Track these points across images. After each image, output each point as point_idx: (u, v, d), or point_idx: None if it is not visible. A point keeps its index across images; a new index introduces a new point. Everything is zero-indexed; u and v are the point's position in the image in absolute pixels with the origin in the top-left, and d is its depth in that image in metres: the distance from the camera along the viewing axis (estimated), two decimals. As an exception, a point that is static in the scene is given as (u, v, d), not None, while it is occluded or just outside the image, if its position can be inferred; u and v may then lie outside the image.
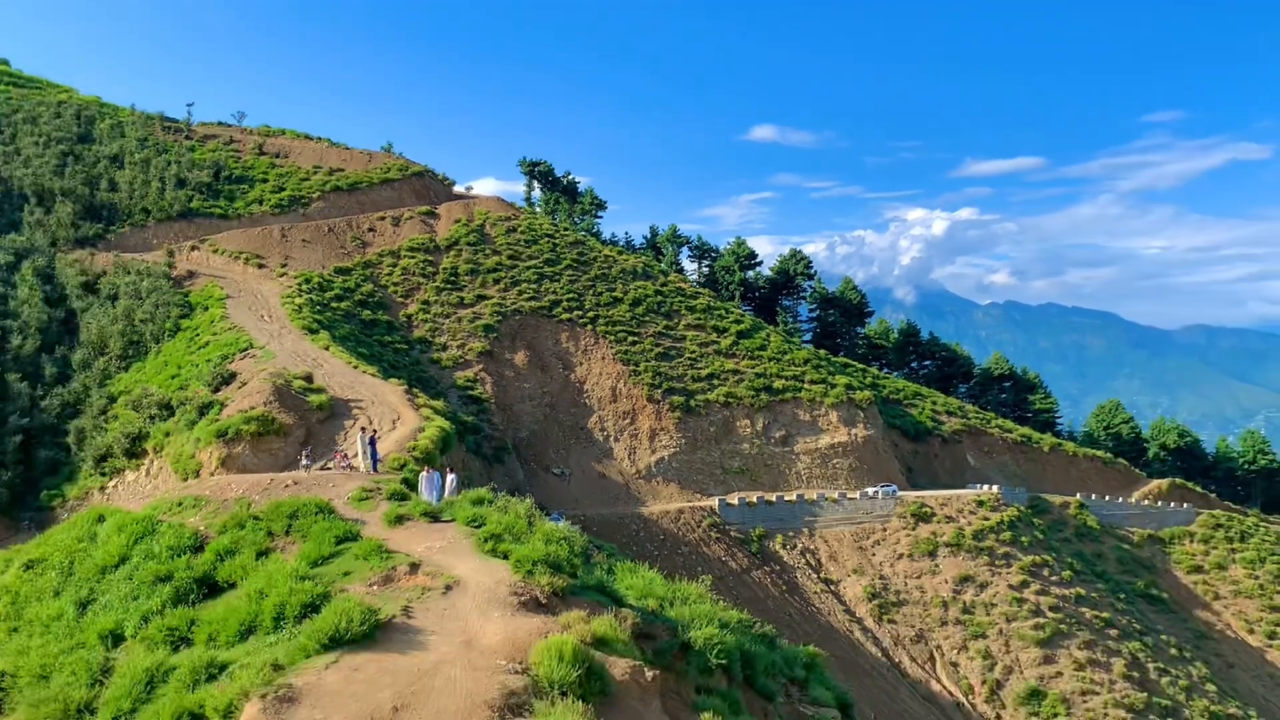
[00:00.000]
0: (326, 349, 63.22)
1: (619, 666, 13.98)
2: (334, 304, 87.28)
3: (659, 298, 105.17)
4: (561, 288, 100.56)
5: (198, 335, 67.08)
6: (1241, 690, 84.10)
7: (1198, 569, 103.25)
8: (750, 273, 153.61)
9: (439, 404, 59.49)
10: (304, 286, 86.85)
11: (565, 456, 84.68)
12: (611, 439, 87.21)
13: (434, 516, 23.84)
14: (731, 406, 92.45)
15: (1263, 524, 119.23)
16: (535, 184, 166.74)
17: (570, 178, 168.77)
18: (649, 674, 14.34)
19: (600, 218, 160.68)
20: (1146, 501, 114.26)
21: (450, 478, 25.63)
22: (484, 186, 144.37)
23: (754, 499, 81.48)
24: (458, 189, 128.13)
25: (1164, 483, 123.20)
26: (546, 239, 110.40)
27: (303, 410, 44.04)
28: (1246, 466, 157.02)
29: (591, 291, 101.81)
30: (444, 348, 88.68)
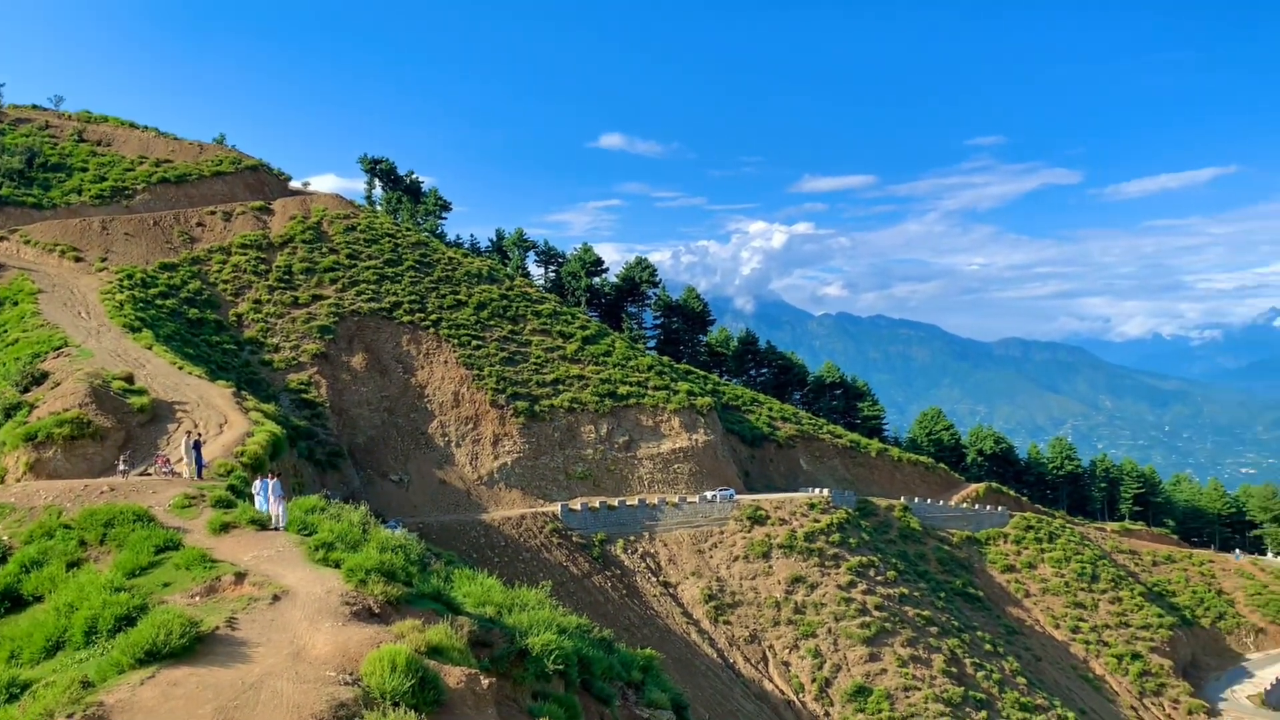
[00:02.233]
0: (149, 348, 59.92)
1: (454, 675, 13.84)
2: (158, 301, 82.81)
3: (504, 302, 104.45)
4: (403, 289, 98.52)
5: (5, 332, 62.40)
6: (1048, 682, 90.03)
7: (1010, 568, 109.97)
8: (597, 279, 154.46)
9: (270, 407, 57.28)
10: (126, 282, 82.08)
11: (404, 463, 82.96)
12: (453, 445, 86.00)
13: (262, 525, 22.98)
14: (576, 412, 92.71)
15: (1068, 525, 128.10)
16: (377, 182, 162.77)
17: (414, 177, 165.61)
18: (485, 681, 14.26)
19: (445, 219, 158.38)
20: (965, 504, 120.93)
21: (273, 482, 24.70)
22: (323, 183, 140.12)
23: (596, 504, 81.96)
24: (294, 185, 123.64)
25: (981, 487, 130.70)
26: (388, 239, 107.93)
27: (122, 413, 41.61)
28: (1055, 471, 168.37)
29: (434, 294, 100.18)
30: (276, 349, 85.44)
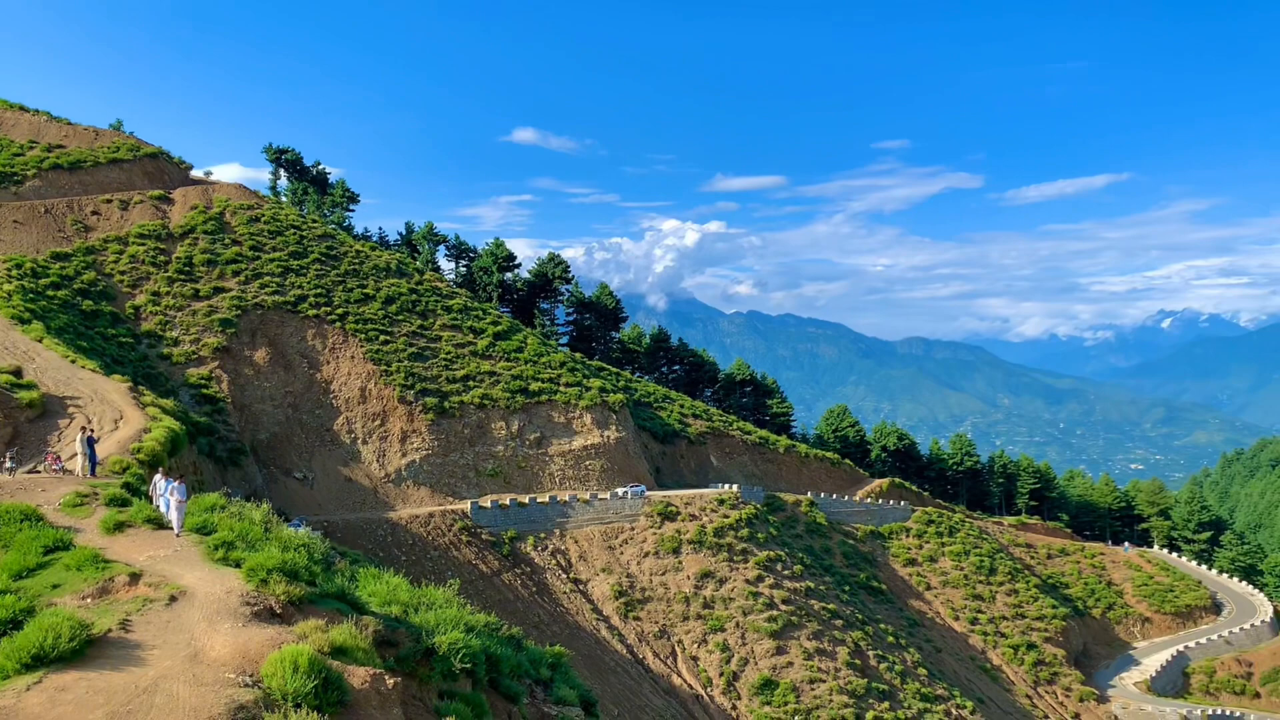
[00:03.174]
0: (40, 341, 57.51)
1: (358, 675, 13.66)
2: (50, 292, 79.47)
3: (414, 296, 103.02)
4: (309, 282, 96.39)
5: (-122, 322, 59.20)
6: (948, 673, 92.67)
7: (912, 562, 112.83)
8: (509, 274, 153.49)
9: (168, 403, 55.53)
10: (14, 272, 78.60)
11: (309, 460, 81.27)
12: (360, 441, 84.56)
13: (159, 524, 22.28)
14: (487, 408, 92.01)
15: (968, 520, 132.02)
16: (282, 173, 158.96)
17: (321, 168, 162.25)
18: (390, 681, 14.11)
19: (352, 211, 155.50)
20: (869, 499, 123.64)
21: (177, 484, 23.89)
22: (227, 173, 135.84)
23: (507, 501, 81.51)
24: (196, 174, 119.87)
25: (884, 482, 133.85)
26: (293, 230, 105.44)
27: (10, 408, 39.88)
28: (955, 467, 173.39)
29: (341, 287, 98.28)
30: (176, 343, 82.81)
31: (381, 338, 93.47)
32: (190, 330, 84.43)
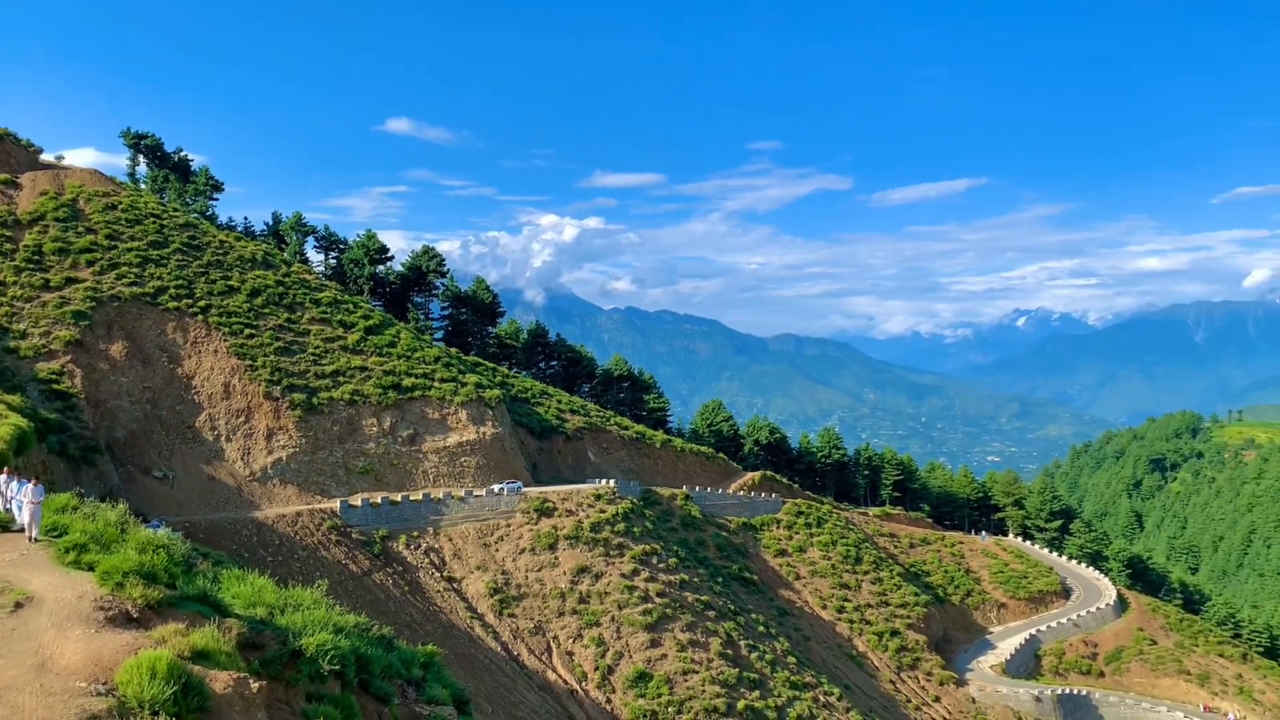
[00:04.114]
0: None
1: (220, 680, 13.29)
2: (-123, 280, 74.00)
3: (281, 289, 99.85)
4: (169, 273, 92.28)
5: None
6: (815, 660, 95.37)
7: (783, 552, 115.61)
8: (381, 267, 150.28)
9: (15, 399, 52.50)
10: None
11: (169, 458, 77.94)
12: (224, 439, 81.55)
13: (4, 526, 21.11)
14: (358, 405, 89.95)
15: (835, 511, 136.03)
16: (141, 159, 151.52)
17: (183, 154, 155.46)
18: (254, 685, 13.77)
19: (216, 200, 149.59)
20: (742, 492, 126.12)
21: (31, 486, 22.53)
22: (81, 157, 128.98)
23: (378, 499, 79.93)
24: (46, 157, 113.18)
25: (757, 475, 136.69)
26: (153, 219, 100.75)
27: None
28: (824, 460, 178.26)
29: (204, 279, 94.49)
30: (24, 335, 78.14)
31: (246, 331, 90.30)
32: (40, 323, 79.80)
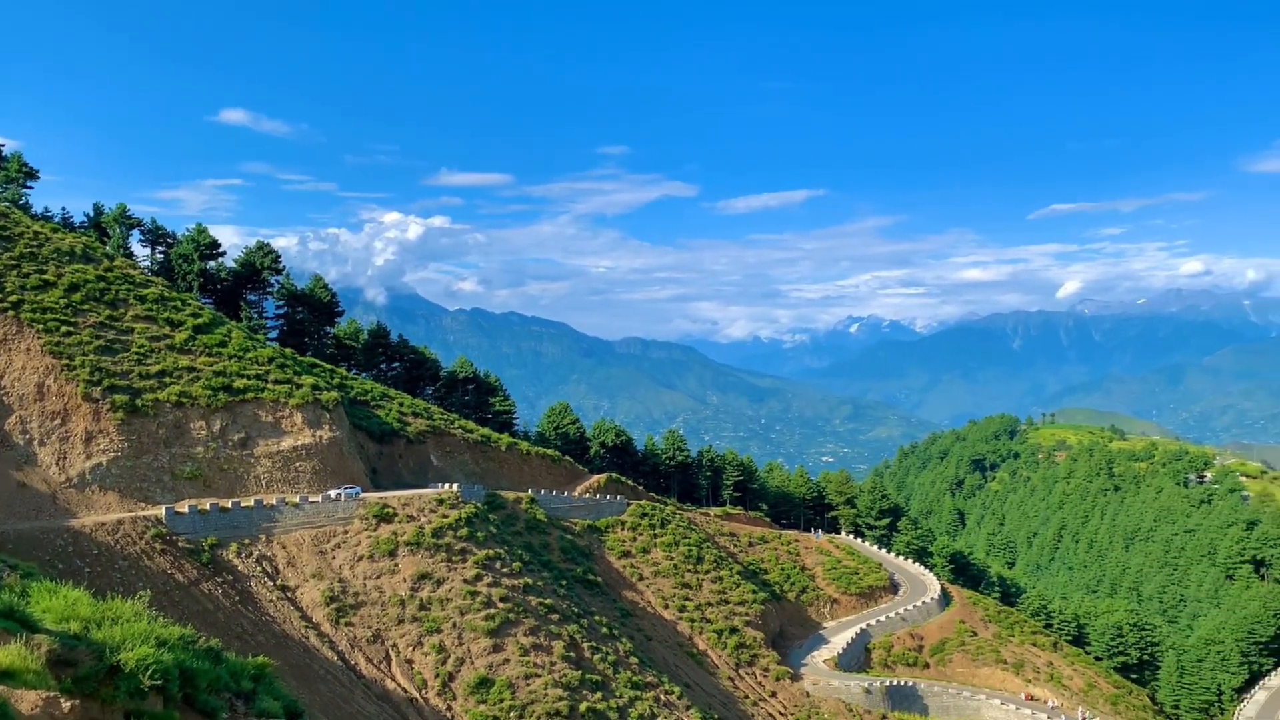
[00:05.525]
0: None
1: (28, 700, 12.52)
2: None
3: (102, 284, 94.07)
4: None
5: None
6: (658, 660, 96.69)
7: (627, 554, 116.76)
8: (212, 263, 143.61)
9: None
10: None
11: (-29, 463, 72.27)
12: (36, 443, 76.20)
13: None
14: (185, 407, 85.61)
15: (678, 512, 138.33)
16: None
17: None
18: (66, 704, 13.03)
19: (30, 188, 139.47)
20: (588, 495, 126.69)
21: None
22: None
23: (207, 506, 76.32)
24: None
25: (602, 477, 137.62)
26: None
27: None
28: (668, 462, 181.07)
29: (16, 272, 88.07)
30: None
31: (64, 329, 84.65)
32: None
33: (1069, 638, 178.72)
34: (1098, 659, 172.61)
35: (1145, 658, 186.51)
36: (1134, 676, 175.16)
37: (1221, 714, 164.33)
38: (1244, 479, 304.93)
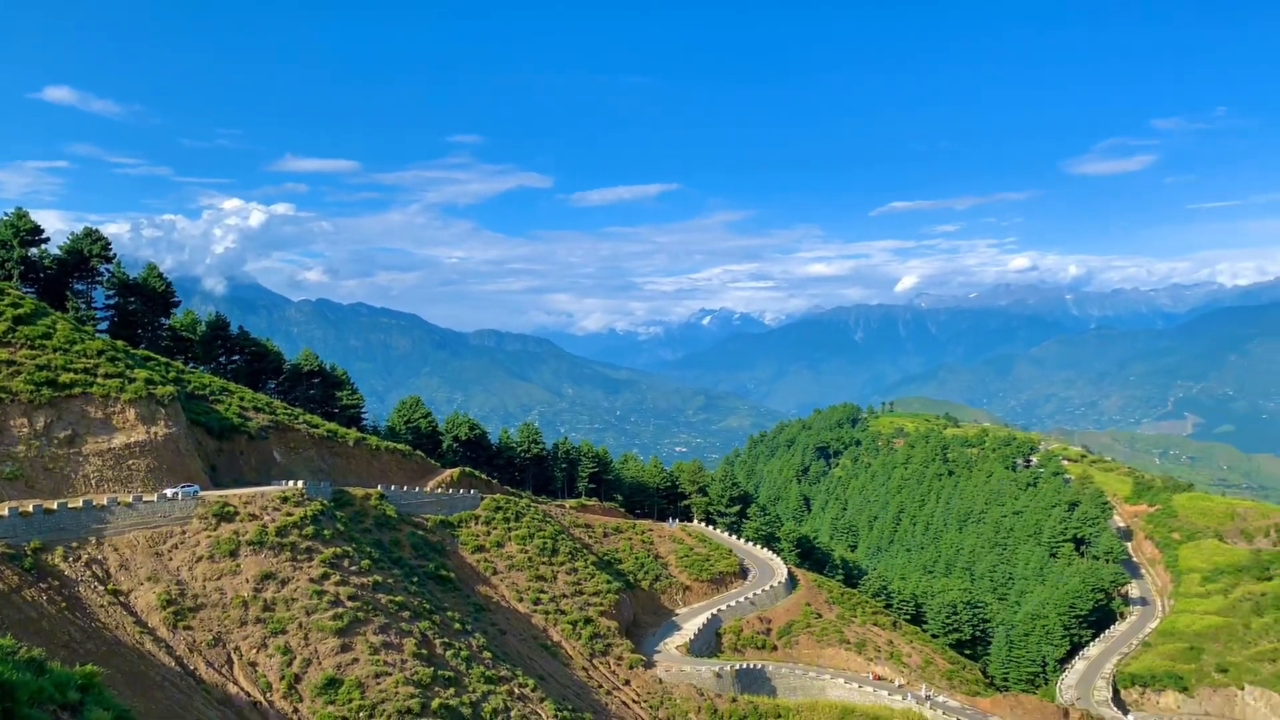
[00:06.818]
0: None
1: None
2: None
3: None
4: None
5: None
6: (511, 653, 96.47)
7: (481, 548, 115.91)
8: (35, 250, 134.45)
9: None
10: None
11: None
12: None
13: None
14: (5, 403, 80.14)
15: (534, 504, 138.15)
16: None
17: None
18: None
19: None
20: (440, 490, 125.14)
21: None
22: None
23: (29, 508, 71.66)
24: None
25: (455, 471, 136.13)
26: None
27: None
28: (523, 454, 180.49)
29: None
30: None
31: None
32: None
33: (908, 617, 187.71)
34: (934, 636, 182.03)
35: (978, 634, 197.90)
36: (967, 652, 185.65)
37: (1046, 684, 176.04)
38: (1066, 463, 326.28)
